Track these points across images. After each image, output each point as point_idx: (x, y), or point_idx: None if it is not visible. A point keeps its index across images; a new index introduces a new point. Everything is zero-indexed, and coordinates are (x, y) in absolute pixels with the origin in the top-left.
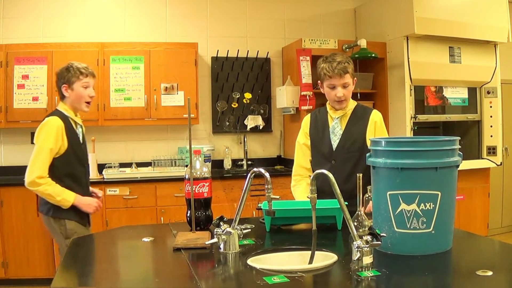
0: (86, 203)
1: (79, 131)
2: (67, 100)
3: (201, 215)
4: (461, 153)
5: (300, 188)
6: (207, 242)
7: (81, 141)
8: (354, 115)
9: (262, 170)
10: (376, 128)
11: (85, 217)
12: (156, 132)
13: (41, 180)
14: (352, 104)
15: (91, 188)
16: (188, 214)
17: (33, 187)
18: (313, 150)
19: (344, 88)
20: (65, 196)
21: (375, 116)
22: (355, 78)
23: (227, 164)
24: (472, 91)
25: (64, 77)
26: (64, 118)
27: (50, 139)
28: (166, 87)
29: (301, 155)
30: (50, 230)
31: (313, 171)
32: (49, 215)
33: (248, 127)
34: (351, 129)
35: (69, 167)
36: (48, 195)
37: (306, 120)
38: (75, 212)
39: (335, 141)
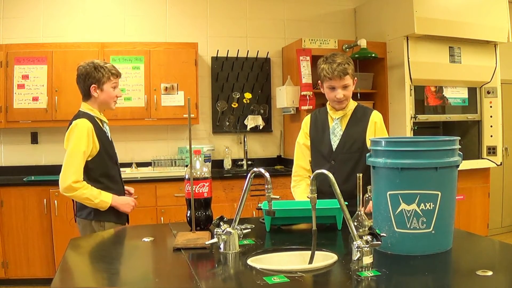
0: (124, 202)
1: (106, 129)
2: (94, 100)
3: (201, 215)
4: (461, 153)
5: (300, 189)
6: (207, 242)
7: (110, 139)
8: (354, 116)
9: (262, 170)
10: (376, 129)
11: (122, 217)
12: (156, 132)
13: (77, 184)
14: (352, 104)
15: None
16: (188, 214)
17: (69, 192)
18: (313, 150)
19: (344, 89)
20: (103, 198)
21: (375, 117)
22: (356, 78)
23: (227, 164)
24: (472, 91)
25: (94, 77)
26: (91, 119)
27: (82, 142)
28: (166, 87)
29: (301, 156)
30: (87, 233)
31: (313, 171)
32: (89, 219)
33: (248, 127)
34: (351, 129)
35: (104, 168)
36: (86, 199)
37: (306, 121)
38: (114, 213)
39: (335, 141)
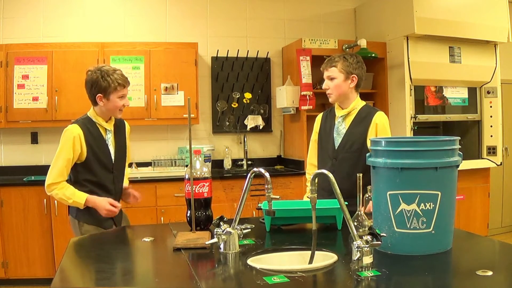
0: (99, 204)
1: (108, 136)
2: (99, 108)
3: (201, 215)
4: (461, 153)
5: None
6: (207, 242)
7: (110, 147)
8: (359, 116)
9: (262, 170)
10: (378, 130)
11: (104, 222)
12: (156, 132)
13: (53, 185)
14: (358, 104)
15: (131, 190)
16: (188, 214)
17: (48, 192)
18: (319, 147)
19: (330, 81)
20: (76, 199)
21: (378, 118)
22: (353, 76)
23: (227, 164)
24: (472, 91)
25: (101, 86)
26: (89, 125)
27: (65, 148)
28: (166, 87)
29: (313, 153)
30: (75, 232)
31: (318, 169)
32: (73, 217)
33: (248, 127)
34: (353, 129)
35: (90, 174)
36: (60, 199)
37: (318, 118)
38: (93, 216)
39: (337, 140)
